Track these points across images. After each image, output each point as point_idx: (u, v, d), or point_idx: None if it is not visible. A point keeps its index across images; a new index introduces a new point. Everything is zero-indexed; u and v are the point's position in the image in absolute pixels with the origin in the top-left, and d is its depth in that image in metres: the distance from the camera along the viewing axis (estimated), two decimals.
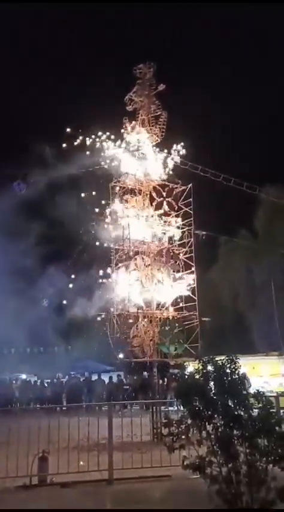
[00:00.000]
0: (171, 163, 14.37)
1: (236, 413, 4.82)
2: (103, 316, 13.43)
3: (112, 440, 8.13)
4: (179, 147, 14.48)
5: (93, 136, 14.22)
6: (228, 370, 5.02)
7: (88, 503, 6.65)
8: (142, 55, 14.73)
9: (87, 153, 14.13)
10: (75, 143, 14.17)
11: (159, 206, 13.74)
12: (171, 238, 13.94)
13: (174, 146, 14.48)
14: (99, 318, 13.96)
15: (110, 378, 22.31)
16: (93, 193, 14.20)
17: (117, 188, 13.83)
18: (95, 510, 6.11)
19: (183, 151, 14.42)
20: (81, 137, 14.26)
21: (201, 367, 5.13)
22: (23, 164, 15.36)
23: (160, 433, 10.85)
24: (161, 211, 13.74)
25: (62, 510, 6.17)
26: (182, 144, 14.51)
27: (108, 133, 14.29)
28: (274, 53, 47.33)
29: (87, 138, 14.23)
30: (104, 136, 14.22)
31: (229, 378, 4.96)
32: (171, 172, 14.30)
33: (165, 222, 13.80)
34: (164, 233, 13.83)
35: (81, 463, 8.00)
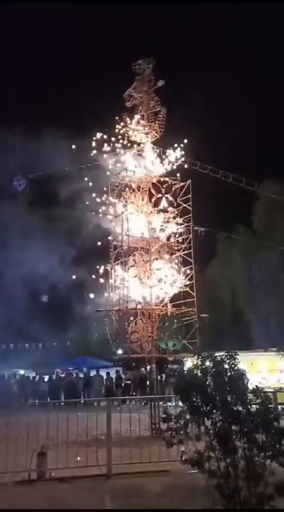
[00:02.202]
0: (170, 160, 14.33)
1: (234, 408, 4.84)
2: (102, 311, 13.45)
3: (111, 436, 8.16)
4: (178, 143, 14.44)
5: (92, 133, 14.20)
6: (227, 366, 5.03)
7: (87, 498, 6.67)
8: (141, 53, 14.65)
9: (87, 149, 14.11)
10: (75, 140, 14.15)
11: (157, 202, 13.73)
12: (169, 235, 13.95)
13: (174, 143, 14.45)
14: (98, 314, 13.98)
15: (107, 373, 22.36)
16: (92, 189, 14.17)
17: (116, 184, 13.81)
18: (94, 510, 6.11)
19: (182, 148, 14.38)
20: (80, 133, 14.25)
21: (199, 363, 5.14)
22: (21, 160, 15.34)
23: (159, 428, 10.90)
24: (160, 207, 13.73)
25: (60, 509, 6.18)
26: (181, 141, 14.47)
27: (107, 129, 14.26)
28: (274, 50, 47.27)
29: (87, 135, 14.21)
30: (104, 133, 14.18)
31: (228, 374, 4.98)
32: (170, 168, 14.28)
33: (163, 218, 13.79)
34: (163, 229, 13.82)
35: (78, 458, 8.03)
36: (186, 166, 14.22)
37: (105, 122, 14.50)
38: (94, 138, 14.08)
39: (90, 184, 14.02)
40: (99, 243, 13.99)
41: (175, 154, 14.23)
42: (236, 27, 48.31)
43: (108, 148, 14.05)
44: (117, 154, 14.05)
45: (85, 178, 14.02)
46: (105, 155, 13.98)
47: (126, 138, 14.19)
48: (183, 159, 14.15)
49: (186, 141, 14.26)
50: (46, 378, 23.40)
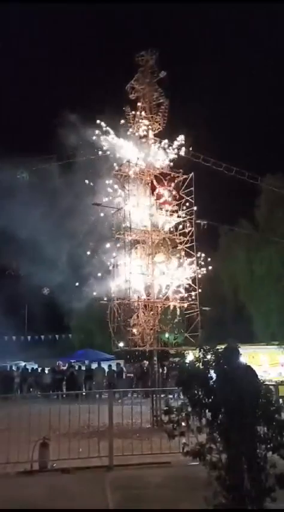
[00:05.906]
0: (172, 152, 14.26)
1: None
2: (104, 303, 13.46)
3: (113, 427, 8.20)
4: (181, 136, 14.35)
5: (95, 124, 14.11)
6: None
7: (89, 489, 6.72)
8: (144, 44, 14.55)
9: (90, 141, 14.02)
10: (77, 131, 14.05)
11: (160, 195, 13.68)
12: (172, 227, 13.92)
13: (176, 135, 14.37)
14: (100, 307, 14.01)
15: (109, 366, 22.41)
16: (95, 181, 14.11)
17: (119, 176, 13.76)
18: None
19: (185, 141, 14.30)
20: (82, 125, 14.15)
21: (201, 356, 5.14)
22: (24, 152, 15.27)
23: (160, 420, 10.94)
24: (162, 200, 13.68)
25: (61, 500, 6.21)
26: (184, 133, 14.39)
27: (110, 122, 14.17)
28: (276, 44, 46.93)
29: (89, 126, 14.12)
30: (106, 125, 14.10)
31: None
32: (172, 161, 14.21)
33: (166, 211, 13.75)
34: (165, 222, 13.79)
35: (80, 449, 8.07)
36: (189, 156, 14.13)
37: (107, 115, 14.40)
38: (96, 132, 14.00)
39: (93, 176, 13.98)
40: (102, 236, 13.97)
41: (177, 147, 14.16)
42: (237, 27, 47.94)
43: (111, 140, 13.97)
44: (119, 146, 13.98)
45: (88, 170, 13.97)
46: (107, 147, 13.92)
47: (128, 129, 14.11)
48: (184, 152, 14.08)
49: (184, 134, 14.18)
50: (48, 370, 23.52)
